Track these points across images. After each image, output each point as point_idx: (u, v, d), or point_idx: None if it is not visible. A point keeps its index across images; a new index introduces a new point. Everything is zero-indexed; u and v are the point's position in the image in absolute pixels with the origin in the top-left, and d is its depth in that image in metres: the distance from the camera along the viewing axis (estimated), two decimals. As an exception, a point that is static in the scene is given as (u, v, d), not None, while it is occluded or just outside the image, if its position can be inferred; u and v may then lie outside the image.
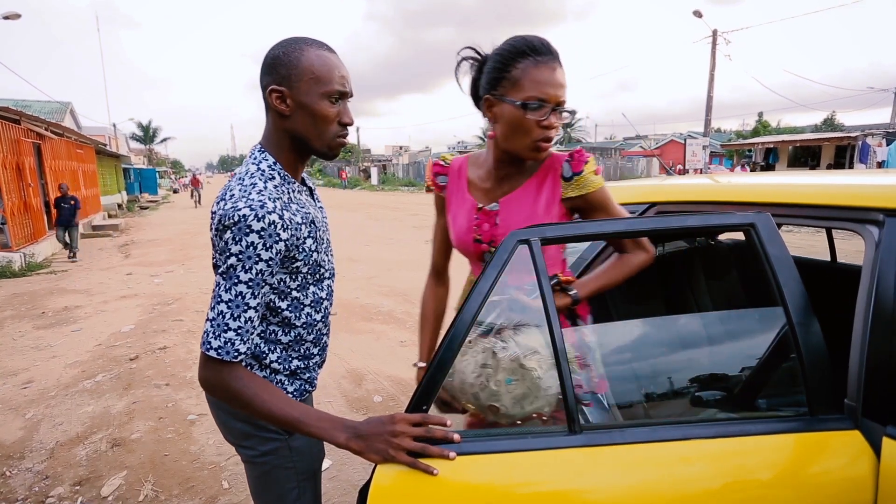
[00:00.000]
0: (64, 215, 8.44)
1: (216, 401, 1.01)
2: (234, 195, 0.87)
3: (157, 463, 2.34)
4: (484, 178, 1.13)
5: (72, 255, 8.61)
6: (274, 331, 0.99)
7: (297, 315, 1.01)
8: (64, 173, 11.50)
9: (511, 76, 0.97)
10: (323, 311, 1.07)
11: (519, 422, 0.94)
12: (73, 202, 8.58)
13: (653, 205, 1.46)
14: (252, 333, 0.91)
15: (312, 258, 0.97)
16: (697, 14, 17.72)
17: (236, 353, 0.88)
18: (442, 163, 1.21)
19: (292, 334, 1.01)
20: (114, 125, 31.94)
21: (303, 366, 1.06)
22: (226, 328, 0.86)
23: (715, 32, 18.38)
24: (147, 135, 52.13)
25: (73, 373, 3.48)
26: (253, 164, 0.94)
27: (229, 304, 0.87)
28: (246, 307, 0.88)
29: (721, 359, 1.25)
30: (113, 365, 3.60)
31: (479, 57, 1.08)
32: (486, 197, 1.12)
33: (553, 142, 1.04)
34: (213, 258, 0.91)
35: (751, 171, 18.83)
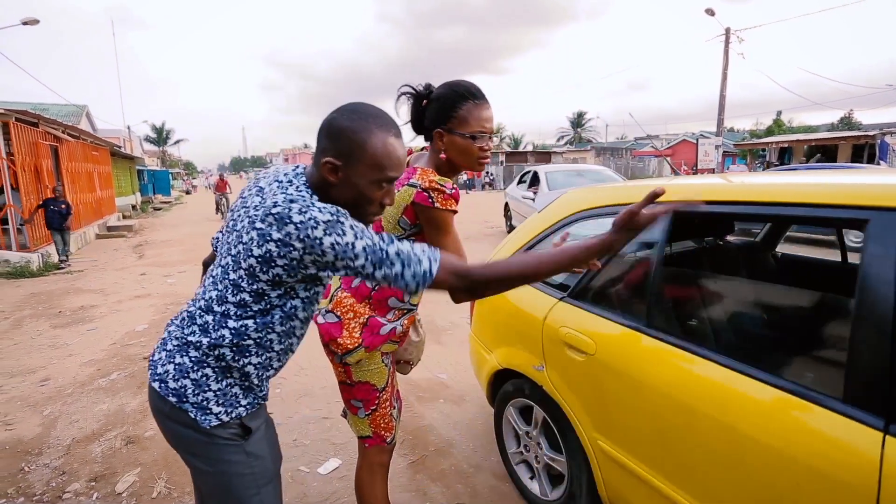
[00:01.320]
0: (53, 218, 7.78)
1: (163, 410, 1.00)
2: (297, 207, 0.89)
3: (170, 461, 2.37)
4: None
5: (63, 258, 7.91)
6: (271, 339, 1.00)
7: (301, 326, 1.05)
8: (80, 175, 11.71)
9: (459, 115, 1.29)
10: (306, 330, 1.10)
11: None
12: (63, 206, 7.88)
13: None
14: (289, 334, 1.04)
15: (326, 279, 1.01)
16: (710, 12, 17.51)
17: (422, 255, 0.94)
18: (455, 186, 1.34)
19: (286, 344, 1.04)
20: (128, 127, 32.47)
21: (271, 376, 1.07)
22: (411, 254, 0.92)
23: (728, 31, 18.15)
24: (160, 136, 52.88)
25: (89, 371, 3.55)
26: (302, 190, 0.94)
27: (392, 252, 0.91)
28: (389, 241, 0.93)
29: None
30: (127, 363, 3.66)
31: (414, 92, 1.36)
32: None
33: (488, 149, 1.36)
34: (251, 275, 0.92)
35: (764, 170, 18.57)
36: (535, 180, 8.74)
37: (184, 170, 57.60)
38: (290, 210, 0.86)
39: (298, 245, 0.86)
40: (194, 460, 1.02)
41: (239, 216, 0.98)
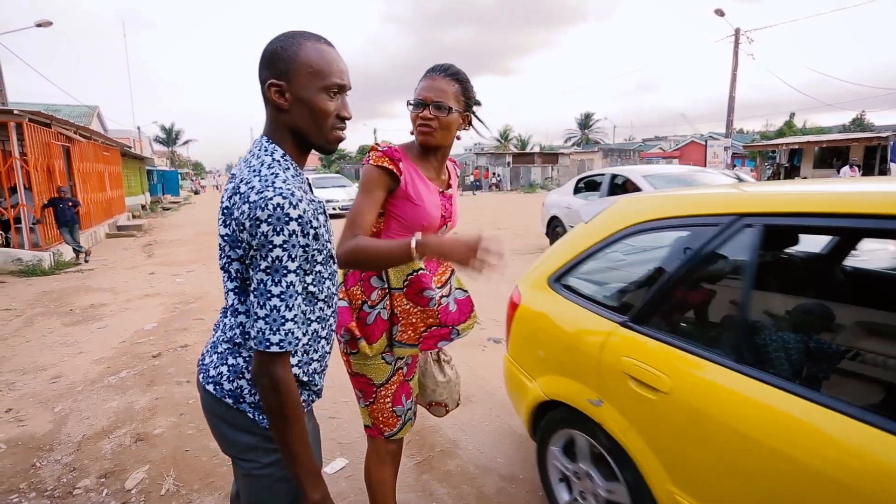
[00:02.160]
0: (63, 216, 8.01)
1: (217, 412, 0.99)
2: (255, 186, 0.85)
3: (179, 458, 2.39)
4: (427, 168, 1.43)
5: (80, 252, 8.26)
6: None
7: (312, 309, 0.99)
8: (91, 175, 11.86)
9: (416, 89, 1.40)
10: (333, 306, 1.05)
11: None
12: (70, 203, 8.14)
13: (740, 217, 1.30)
14: (305, 322, 0.94)
15: (327, 248, 0.98)
16: (719, 13, 17.39)
17: (298, 342, 0.88)
18: (397, 149, 1.39)
19: (309, 331, 0.98)
20: (138, 128, 32.83)
21: (319, 368, 1.04)
22: (283, 321, 0.86)
23: (737, 31, 18.02)
24: (169, 137, 53.38)
25: (99, 369, 3.59)
26: (266, 154, 0.92)
27: (281, 296, 0.85)
28: (297, 296, 0.87)
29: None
30: (136, 362, 3.70)
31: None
32: (437, 182, 1.46)
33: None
34: (228, 257, 0.91)
35: (774, 172, 18.37)
36: (617, 187, 6.48)
37: (192, 170, 58.13)
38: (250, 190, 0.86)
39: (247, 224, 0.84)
40: (245, 464, 1.00)
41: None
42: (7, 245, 7.97)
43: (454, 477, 2.20)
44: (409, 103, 1.39)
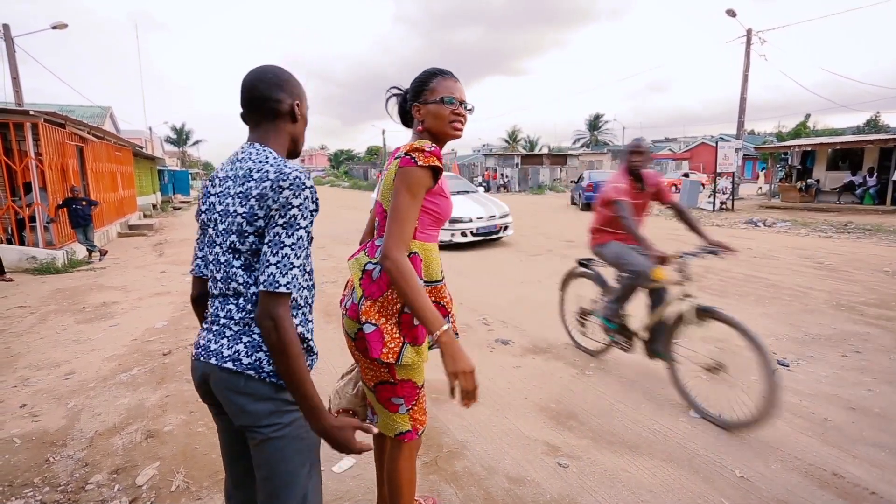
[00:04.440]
0: (78, 216, 8.26)
1: (237, 387, 1.09)
2: (270, 168, 1.09)
3: (189, 455, 2.42)
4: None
5: (93, 252, 8.52)
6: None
7: (305, 275, 1.15)
8: (104, 174, 12.01)
9: (429, 88, 1.46)
10: (312, 281, 1.22)
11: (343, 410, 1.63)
12: (85, 202, 8.40)
13: None
14: (303, 277, 1.11)
15: (312, 227, 1.14)
16: (731, 13, 17.23)
17: (299, 288, 1.08)
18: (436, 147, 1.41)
19: (301, 297, 1.16)
20: (149, 128, 33.19)
21: (310, 329, 1.19)
22: (291, 266, 1.04)
23: (749, 32, 17.83)
24: (180, 137, 53.92)
25: (111, 366, 3.63)
26: (266, 152, 1.14)
27: (292, 246, 1.05)
28: (304, 248, 1.08)
29: None
30: (147, 359, 3.74)
31: (400, 91, 1.58)
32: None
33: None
34: (243, 234, 1.09)
35: (786, 174, 18.13)
36: None
37: (202, 170, 58.64)
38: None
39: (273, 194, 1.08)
40: (265, 430, 1.09)
41: (212, 208, 1.18)
42: (22, 243, 8.11)
43: (461, 478, 2.20)
44: (442, 100, 1.44)
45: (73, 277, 7.19)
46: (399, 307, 1.41)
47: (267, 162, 1.10)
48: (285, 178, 1.06)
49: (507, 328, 4.30)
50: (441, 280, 1.54)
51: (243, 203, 1.08)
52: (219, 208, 1.14)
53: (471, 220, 8.21)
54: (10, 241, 8.08)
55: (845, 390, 2.97)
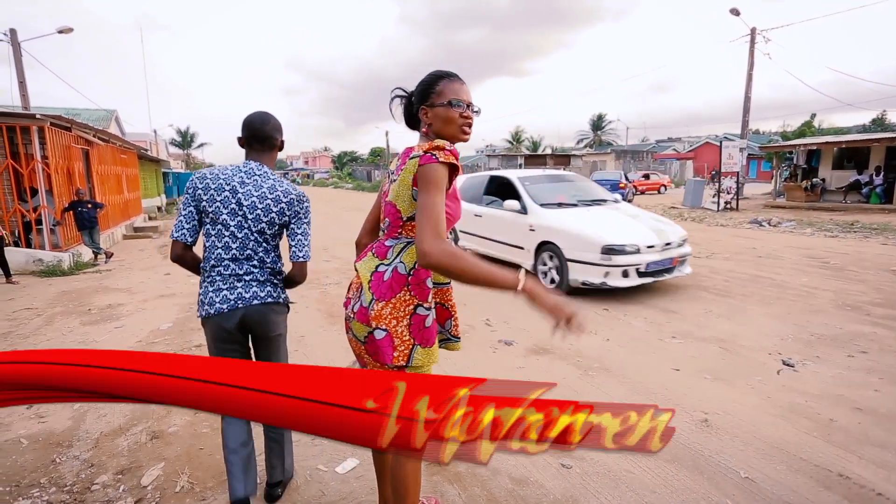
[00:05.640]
0: (84, 219, 8.37)
1: (273, 310, 1.83)
2: (288, 187, 1.84)
3: (193, 456, 2.43)
4: None
5: (99, 254, 8.64)
6: (280, 254, 1.89)
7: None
8: (109, 177, 12.09)
9: (436, 91, 1.46)
10: None
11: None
12: (90, 205, 8.48)
13: None
14: None
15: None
16: (735, 12, 17.17)
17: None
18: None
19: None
20: (154, 131, 33.38)
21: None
22: (308, 245, 1.87)
23: (753, 31, 17.76)
24: (185, 140, 54.19)
25: (116, 367, 3.65)
26: (271, 173, 1.85)
27: (309, 234, 1.88)
28: (309, 236, 1.90)
29: None
30: (152, 360, 3.75)
31: (404, 93, 1.57)
32: None
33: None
34: (276, 225, 1.81)
35: (791, 174, 18.02)
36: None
37: (207, 172, 58.63)
38: (288, 188, 1.86)
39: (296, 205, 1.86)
40: (278, 329, 1.89)
41: (227, 201, 1.75)
42: (28, 246, 8.18)
43: (464, 478, 2.20)
44: (450, 103, 1.44)
45: (79, 279, 7.24)
46: (411, 309, 1.41)
47: (282, 182, 1.82)
48: (302, 195, 1.86)
49: (510, 329, 4.30)
50: (448, 283, 1.54)
51: (275, 205, 1.78)
52: (246, 203, 1.74)
53: (637, 251, 4.85)
54: (17, 244, 8.14)
55: (851, 391, 2.95)
